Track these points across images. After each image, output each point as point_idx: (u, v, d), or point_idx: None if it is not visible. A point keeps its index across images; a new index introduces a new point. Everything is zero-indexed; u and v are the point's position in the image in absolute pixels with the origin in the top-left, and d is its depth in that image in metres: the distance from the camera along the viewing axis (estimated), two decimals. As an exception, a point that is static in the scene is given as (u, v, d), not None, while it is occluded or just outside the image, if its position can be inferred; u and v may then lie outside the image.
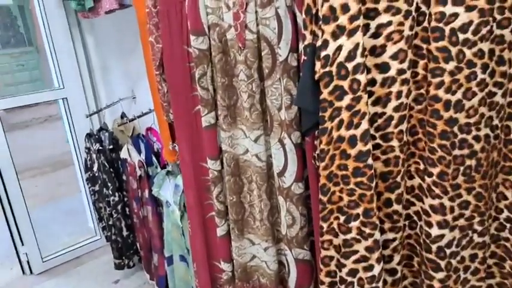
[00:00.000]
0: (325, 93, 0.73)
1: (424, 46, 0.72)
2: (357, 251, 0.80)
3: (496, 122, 0.74)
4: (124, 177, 1.85)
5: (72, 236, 2.49)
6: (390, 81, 0.73)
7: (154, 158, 1.71)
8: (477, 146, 0.73)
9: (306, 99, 0.77)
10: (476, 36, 0.66)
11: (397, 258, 0.84)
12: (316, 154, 0.84)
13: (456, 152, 0.72)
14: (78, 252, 2.38)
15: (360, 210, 0.77)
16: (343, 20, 0.68)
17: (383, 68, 0.73)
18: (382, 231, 0.82)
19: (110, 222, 1.92)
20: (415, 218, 0.84)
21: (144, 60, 1.35)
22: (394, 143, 0.77)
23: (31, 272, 2.26)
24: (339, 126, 0.74)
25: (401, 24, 0.70)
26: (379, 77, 0.74)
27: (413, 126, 0.78)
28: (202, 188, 1.17)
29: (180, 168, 1.28)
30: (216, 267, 1.22)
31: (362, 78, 0.70)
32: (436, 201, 0.76)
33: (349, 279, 0.81)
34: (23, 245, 2.20)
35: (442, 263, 0.78)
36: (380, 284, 0.80)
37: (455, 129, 0.71)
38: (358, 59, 0.70)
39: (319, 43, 0.71)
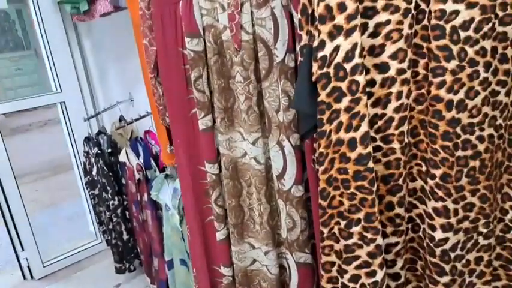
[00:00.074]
0: (322, 95, 0.71)
1: (425, 45, 0.69)
2: (358, 257, 0.77)
3: (499, 121, 0.72)
4: (123, 181, 1.83)
5: (73, 241, 2.48)
6: (390, 82, 0.71)
7: (153, 161, 1.70)
8: (481, 147, 0.71)
9: (303, 102, 0.75)
10: (478, 33, 0.64)
11: (400, 262, 0.82)
12: (315, 157, 0.82)
13: (459, 153, 0.70)
14: (79, 257, 2.37)
15: (361, 215, 0.75)
16: (340, 19, 0.66)
17: (382, 68, 0.71)
18: (385, 236, 0.80)
19: (110, 226, 1.91)
20: (418, 220, 0.82)
21: (140, 63, 1.34)
22: (395, 145, 0.75)
23: (32, 277, 2.25)
24: (338, 129, 0.72)
25: (400, 22, 0.68)
26: (378, 78, 0.72)
27: (415, 127, 0.76)
28: (200, 192, 1.15)
29: (177, 171, 1.26)
30: (216, 272, 1.20)
31: (361, 79, 0.68)
32: (439, 204, 0.74)
33: (351, 285, 0.79)
34: (23, 250, 2.19)
35: (447, 267, 0.76)
36: (383, 289, 0.78)
37: (458, 129, 0.69)
38: (357, 60, 0.68)
39: (315, 44, 0.69)
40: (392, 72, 0.71)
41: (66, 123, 2.27)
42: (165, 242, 1.59)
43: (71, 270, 2.30)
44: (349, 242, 0.77)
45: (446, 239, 0.75)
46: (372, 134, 0.74)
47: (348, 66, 0.68)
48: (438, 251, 0.76)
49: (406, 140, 0.75)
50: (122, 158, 1.76)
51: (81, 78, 2.25)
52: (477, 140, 0.70)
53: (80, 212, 2.58)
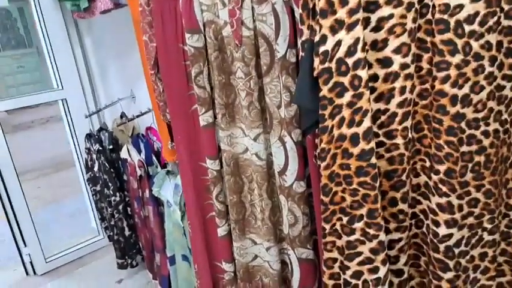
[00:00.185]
0: (324, 91, 0.70)
1: (428, 39, 0.68)
2: (361, 253, 0.77)
3: (505, 116, 0.71)
4: (125, 177, 1.83)
5: (75, 237, 2.49)
6: (393, 76, 0.70)
7: (154, 158, 1.70)
8: (486, 142, 0.70)
9: (305, 97, 0.74)
10: (483, 27, 0.63)
11: (403, 258, 0.82)
12: (317, 153, 0.82)
13: (464, 148, 0.69)
14: (81, 252, 2.38)
15: (363, 211, 0.75)
16: (341, 13, 0.65)
17: (385, 62, 0.70)
18: (388, 231, 0.80)
19: (112, 222, 1.91)
20: (422, 216, 0.82)
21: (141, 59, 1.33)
22: (399, 140, 0.74)
23: (35, 273, 2.26)
24: (340, 124, 0.71)
25: (403, 16, 0.66)
26: (381, 72, 0.71)
27: (418, 122, 0.75)
28: (201, 188, 1.14)
29: (178, 168, 1.26)
30: (218, 267, 1.20)
31: (363, 74, 0.67)
32: (443, 200, 0.73)
33: (354, 281, 0.79)
34: (25, 246, 2.20)
35: (451, 263, 0.76)
36: (386, 286, 0.78)
37: (463, 124, 0.68)
38: (359, 54, 0.67)
39: (317, 38, 0.68)
40: (395, 67, 0.70)
41: (67, 120, 2.27)
42: (167, 238, 1.59)
43: (73, 266, 2.31)
44: (352, 238, 0.77)
45: (450, 235, 0.74)
46: (375, 129, 0.74)
47: (350, 61, 0.67)
48: (442, 247, 0.75)
49: (410, 135, 0.74)
50: (124, 154, 1.76)
51: (82, 75, 2.24)
52: (482, 135, 0.69)
53: (82, 208, 2.59)
